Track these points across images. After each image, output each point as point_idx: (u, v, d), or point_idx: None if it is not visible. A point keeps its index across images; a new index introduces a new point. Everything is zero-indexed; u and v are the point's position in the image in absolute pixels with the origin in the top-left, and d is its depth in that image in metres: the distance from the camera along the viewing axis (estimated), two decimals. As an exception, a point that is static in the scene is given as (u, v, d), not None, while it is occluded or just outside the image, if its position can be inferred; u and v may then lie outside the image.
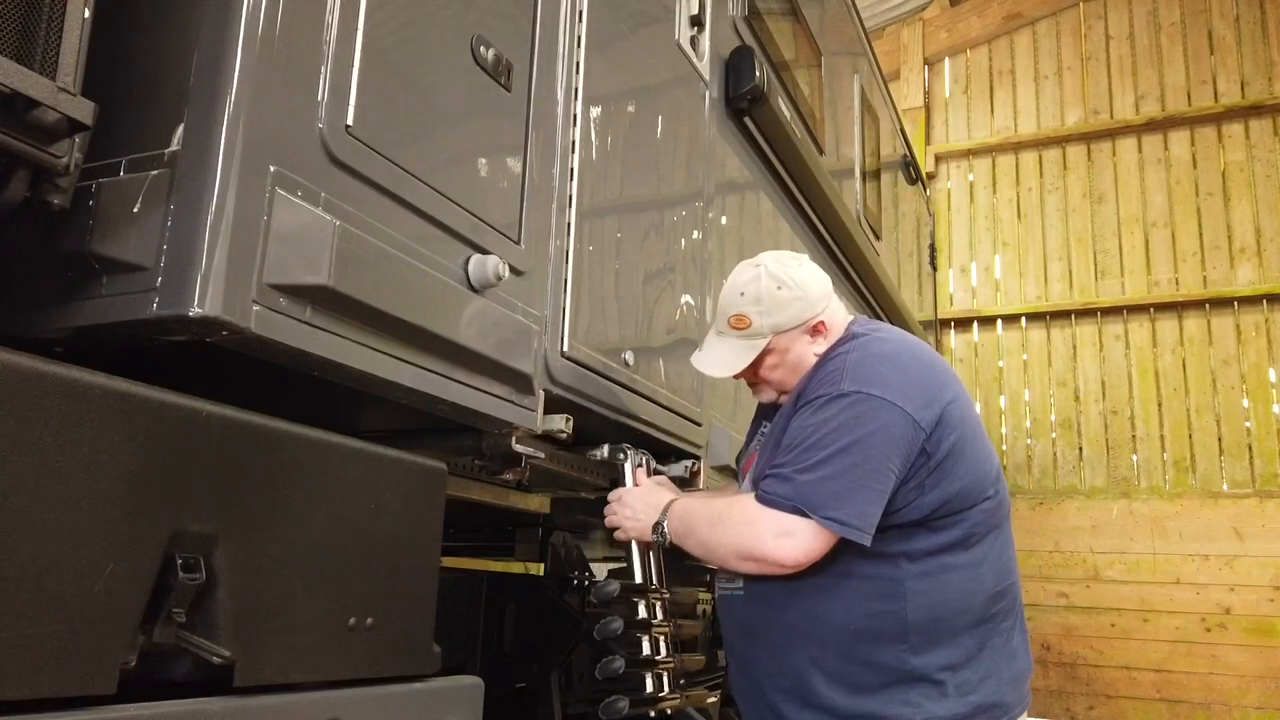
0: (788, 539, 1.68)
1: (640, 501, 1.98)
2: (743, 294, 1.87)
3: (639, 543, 2.05)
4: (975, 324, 7.46)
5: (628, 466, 2.12)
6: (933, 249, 6.74)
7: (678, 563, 3.03)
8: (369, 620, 1.35)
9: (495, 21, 1.67)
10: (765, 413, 2.09)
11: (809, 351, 1.88)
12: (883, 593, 1.73)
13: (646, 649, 1.99)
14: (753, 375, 1.94)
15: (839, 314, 1.94)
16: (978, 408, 7.28)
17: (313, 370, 1.29)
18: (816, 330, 1.88)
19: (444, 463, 1.56)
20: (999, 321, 7.36)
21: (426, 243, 1.45)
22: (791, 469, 1.71)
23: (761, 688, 1.82)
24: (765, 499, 1.72)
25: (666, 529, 1.89)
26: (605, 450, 2.13)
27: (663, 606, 2.03)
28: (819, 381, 1.79)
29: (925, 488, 1.73)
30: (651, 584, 2.06)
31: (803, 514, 1.67)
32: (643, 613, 1.99)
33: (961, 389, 1.87)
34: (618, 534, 2.00)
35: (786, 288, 1.86)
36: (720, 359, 1.92)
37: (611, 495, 2.03)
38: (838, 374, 1.77)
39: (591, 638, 2.26)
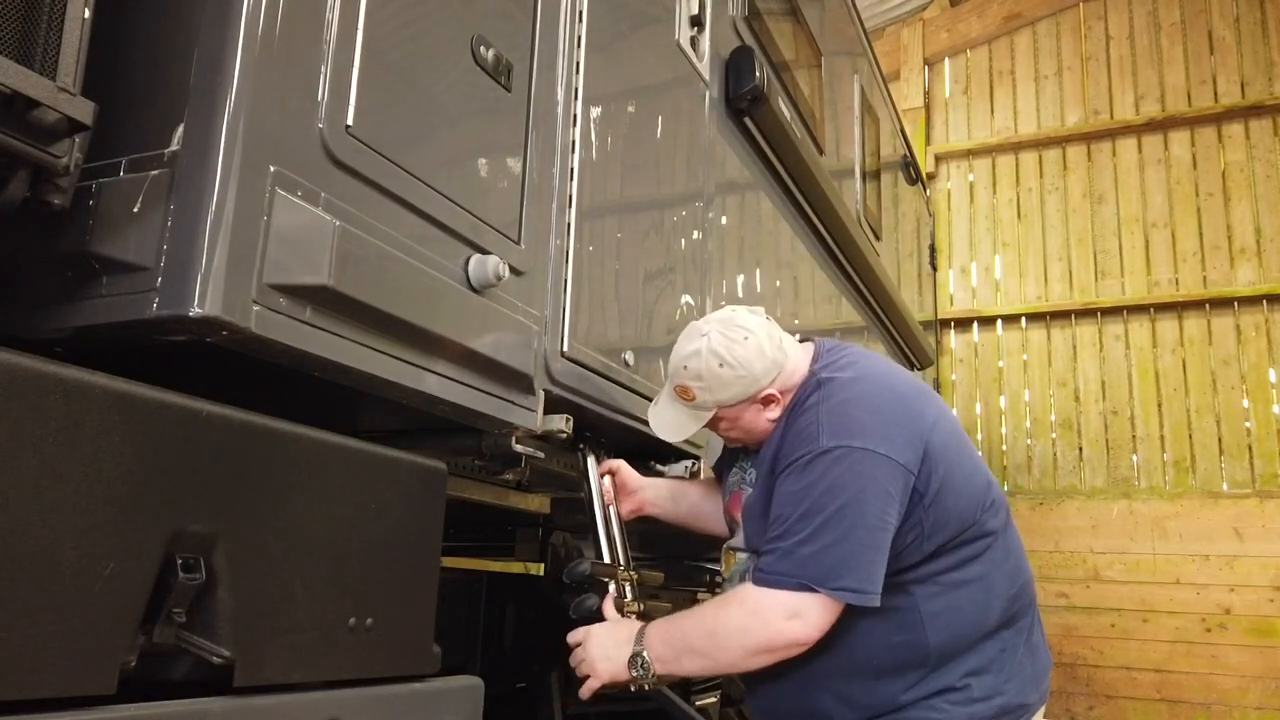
0: (798, 620, 1.64)
1: (607, 639, 1.79)
2: (686, 367, 1.82)
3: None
4: (975, 324, 7.45)
5: (590, 463, 2.09)
6: (933, 249, 6.74)
7: (677, 565, 3.03)
8: (369, 620, 1.35)
9: (495, 21, 1.67)
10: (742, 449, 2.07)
11: (761, 418, 1.84)
12: (901, 624, 1.72)
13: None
14: (714, 428, 1.92)
15: (793, 367, 1.86)
16: (977, 408, 7.29)
17: (313, 370, 1.29)
18: (767, 401, 1.83)
19: (444, 463, 1.56)
20: (999, 322, 7.36)
21: (426, 243, 1.46)
22: (789, 542, 1.65)
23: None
24: (766, 580, 1.67)
25: (648, 658, 1.73)
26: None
27: (632, 587, 2.01)
28: (796, 439, 1.75)
29: (924, 526, 1.71)
30: (620, 564, 2.02)
31: (810, 589, 1.62)
32: (613, 591, 1.97)
33: (940, 407, 1.84)
34: (589, 684, 1.80)
35: (729, 366, 1.78)
36: (670, 423, 1.90)
37: (571, 638, 1.84)
38: (813, 429, 1.71)
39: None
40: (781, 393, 1.83)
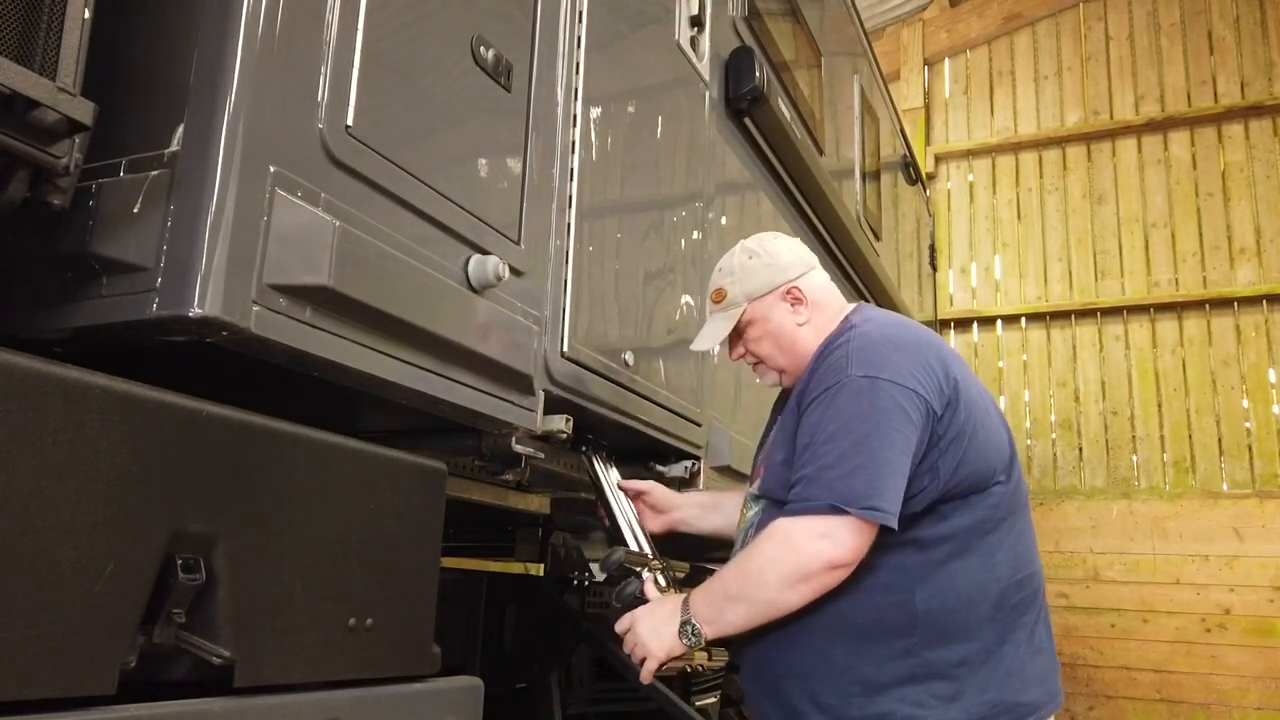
0: (828, 540, 1.61)
1: (654, 617, 1.79)
2: (720, 269, 1.96)
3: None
4: (975, 324, 7.46)
5: (596, 462, 2.12)
6: (933, 249, 6.74)
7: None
8: (369, 620, 1.35)
9: (495, 21, 1.67)
10: (776, 407, 2.07)
11: (790, 321, 1.89)
12: (889, 583, 1.67)
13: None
14: (744, 352, 1.96)
15: (825, 291, 1.94)
16: (978, 408, 7.28)
17: (313, 371, 1.29)
18: (794, 299, 1.90)
19: (444, 463, 1.56)
20: (999, 322, 7.36)
21: (426, 243, 1.45)
22: (816, 467, 1.65)
23: (775, 688, 1.78)
24: (794, 509, 1.66)
25: (696, 623, 1.72)
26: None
27: (665, 575, 2.02)
28: (825, 372, 1.76)
29: (938, 470, 1.69)
30: (649, 554, 2.04)
31: (840, 510, 1.60)
32: (647, 578, 1.98)
33: (968, 371, 1.83)
34: (648, 665, 1.77)
35: (757, 256, 1.92)
36: (705, 333, 1.97)
37: (619, 626, 1.84)
38: (842, 361, 1.73)
39: (591, 638, 2.25)
40: (812, 305, 1.90)
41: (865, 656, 1.66)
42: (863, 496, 1.60)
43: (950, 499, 1.70)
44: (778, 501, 1.75)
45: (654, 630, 1.76)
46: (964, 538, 1.70)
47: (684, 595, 1.78)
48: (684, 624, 1.73)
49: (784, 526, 1.65)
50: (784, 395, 2.03)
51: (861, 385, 1.67)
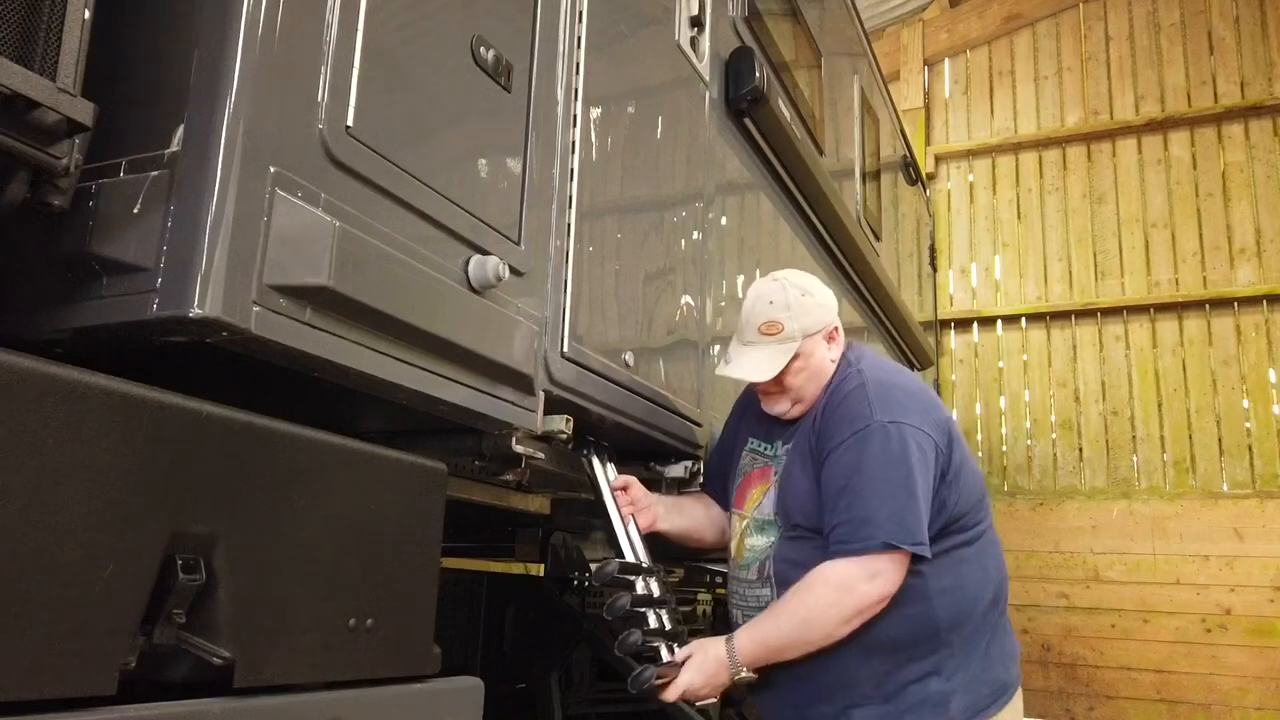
0: (880, 579, 1.81)
1: (702, 672, 1.88)
2: (771, 302, 2.02)
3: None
4: (975, 324, 7.45)
5: (596, 464, 2.13)
6: (933, 250, 6.74)
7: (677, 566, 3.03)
8: (369, 621, 1.35)
9: (495, 22, 1.67)
10: (752, 429, 2.17)
11: (826, 358, 2.05)
12: (911, 598, 1.87)
13: (653, 622, 1.99)
14: (776, 382, 2.04)
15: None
16: (977, 409, 7.30)
17: (313, 371, 1.29)
18: (832, 337, 2.07)
19: (444, 463, 1.56)
20: (999, 322, 7.36)
21: (426, 243, 1.45)
22: (863, 509, 1.82)
23: (809, 705, 1.92)
24: (848, 549, 1.82)
25: (748, 671, 1.88)
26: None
27: (660, 582, 2.03)
28: (848, 415, 1.92)
29: (945, 501, 1.91)
30: (645, 563, 2.06)
31: (893, 548, 1.80)
32: (641, 588, 1.99)
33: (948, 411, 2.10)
34: (698, 696, 1.91)
35: (810, 295, 2.05)
36: (757, 363, 2.01)
37: (670, 694, 1.88)
38: (863, 406, 1.91)
39: (591, 638, 2.25)
40: (838, 332, 2.08)
41: (900, 661, 1.88)
42: (910, 534, 1.81)
43: (955, 520, 1.95)
44: (804, 530, 1.94)
45: (708, 682, 1.88)
46: (966, 551, 1.96)
47: (725, 645, 1.89)
48: (735, 674, 1.87)
49: (839, 571, 1.82)
50: (751, 413, 2.18)
51: (889, 430, 1.87)
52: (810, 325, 2.02)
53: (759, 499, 2.06)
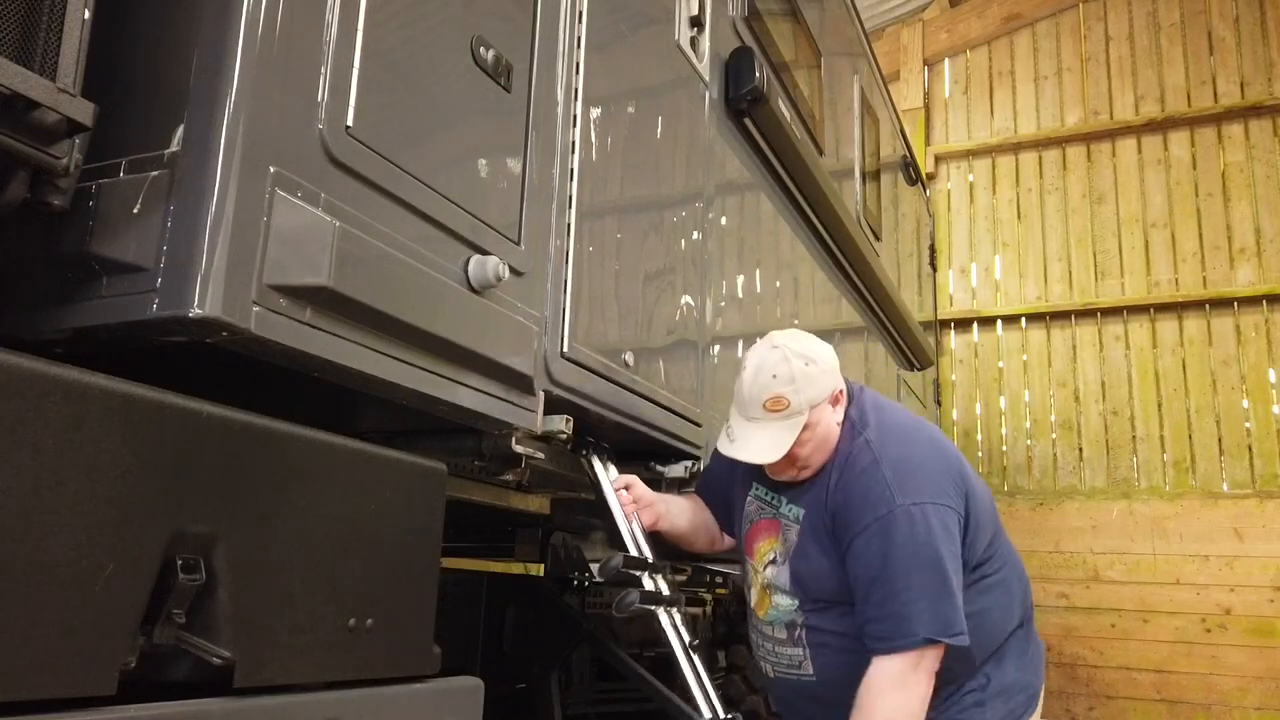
0: (924, 671, 1.80)
1: None
2: (775, 376, 1.90)
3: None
4: (975, 324, 7.45)
5: (597, 463, 2.12)
6: (932, 249, 6.73)
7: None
8: (369, 621, 1.35)
9: (495, 22, 1.67)
10: (754, 472, 2.10)
11: (832, 422, 1.96)
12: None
13: (664, 620, 2.00)
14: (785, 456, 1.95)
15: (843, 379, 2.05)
16: (977, 409, 7.29)
17: (312, 371, 1.29)
18: (837, 399, 1.97)
19: (444, 463, 1.56)
20: (999, 322, 7.35)
21: (426, 243, 1.45)
22: (898, 604, 1.79)
23: None
24: (894, 646, 1.80)
25: None
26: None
27: (667, 579, 2.04)
28: (865, 500, 1.86)
29: (967, 559, 1.91)
30: (650, 558, 2.06)
31: (934, 641, 1.79)
32: (649, 584, 2.00)
33: (957, 449, 2.07)
34: None
35: (813, 363, 1.92)
36: (763, 444, 1.91)
37: None
38: (881, 489, 1.85)
39: (591, 638, 2.25)
40: (842, 393, 1.99)
41: (941, 694, 1.88)
42: (948, 625, 1.80)
43: (979, 563, 1.95)
44: (827, 601, 1.91)
45: None
46: (991, 579, 1.97)
47: None
48: None
49: (889, 673, 1.80)
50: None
51: (912, 514, 1.82)
52: (816, 396, 1.92)
53: (768, 553, 2.03)
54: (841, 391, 1.99)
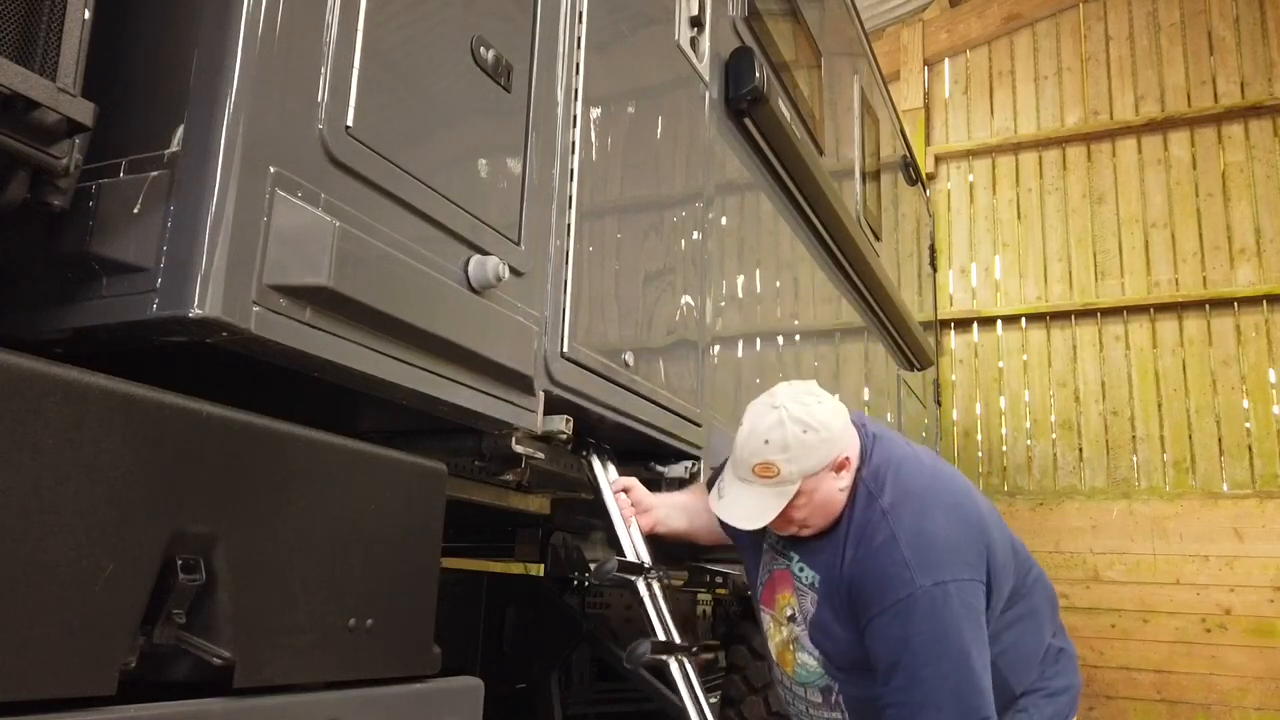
0: None
1: None
2: (767, 441, 1.77)
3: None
4: (975, 324, 7.45)
5: (597, 465, 2.10)
6: (932, 249, 6.73)
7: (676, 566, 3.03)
8: (369, 621, 1.35)
9: (495, 22, 1.67)
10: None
11: (835, 488, 1.82)
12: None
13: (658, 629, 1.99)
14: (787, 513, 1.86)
15: (856, 439, 1.88)
16: (977, 409, 7.29)
17: (312, 371, 1.29)
18: (842, 466, 1.82)
19: (444, 463, 1.56)
20: (999, 322, 7.35)
21: (426, 243, 1.45)
22: (924, 693, 1.71)
23: None
24: None
25: None
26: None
27: (661, 586, 2.03)
28: (882, 579, 1.75)
29: (990, 615, 1.83)
30: (645, 563, 2.04)
31: None
32: (643, 589, 1.98)
33: (973, 490, 1.92)
34: None
35: (812, 430, 1.77)
36: (748, 509, 1.81)
37: None
38: (899, 568, 1.74)
39: (591, 638, 2.25)
40: (849, 459, 1.83)
41: None
42: (971, 713, 1.70)
43: (1002, 610, 1.88)
44: (858, 669, 1.83)
45: None
46: (1016, 616, 1.91)
47: None
48: None
49: None
50: None
51: (934, 596, 1.71)
52: (811, 466, 1.77)
53: (786, 607, 1.96)
54: (848, 458, 1.82)
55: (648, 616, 2.02)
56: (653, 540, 2.14)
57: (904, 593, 1.72)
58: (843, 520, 1.84)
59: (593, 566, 2.49)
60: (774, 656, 2.01)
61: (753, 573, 2.07)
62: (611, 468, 2.16)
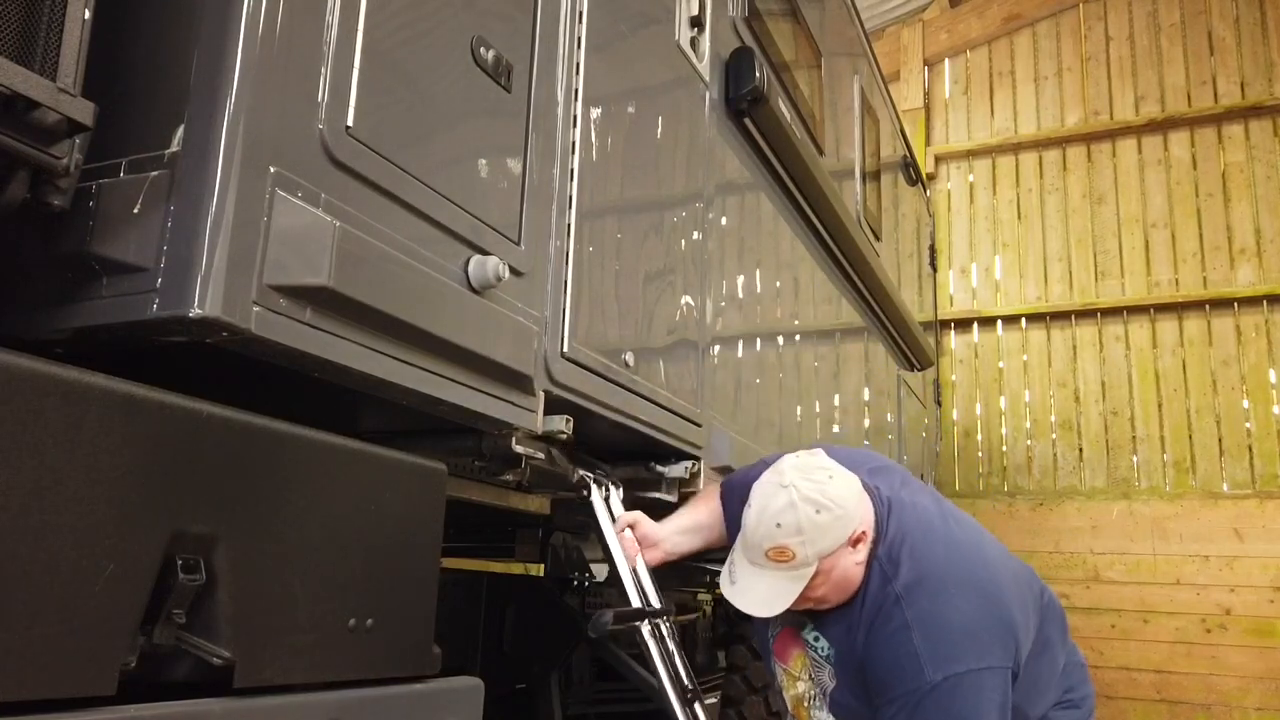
0: None
1: None
2: (779, 525, 1.69)
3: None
4: (975, 325, 7.45)
5: (597, 499, 2.05)
6: (933, 250, 6.73)
7: (677, 566, 3.03)
8: (369, 621, 1.35)
9: (495, 22, 1.67)
10: None
11: (852, 563, 1.75)
12: None
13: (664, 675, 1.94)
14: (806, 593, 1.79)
15: (870, 509, 1.81)
16: (977, 409, 7.29)
17: (313, 371, 1.29)
18: (858, 541, 1.75)
19: (444, 463, 1.56)
20: (999, 322, 7.35)
21: (426, 244, 1.45)
22: None
23: None
24: None
25: None
26: (574, 475, 2.04)
27: (667, 627, 1.99)
28: (893, 668, 1.69)
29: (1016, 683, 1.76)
30: (649, 604, 1.99)
31: None
32: (646, 635, 1.94)
33: (997, 563, 1.83)
34: None
35: (825, 509, 1.70)
36: (763, 596, 1.74)
37: None
38: (911, 660, 1.66)
39: (591, 638, 2.24)
40: (865, 533, 1.76)
41: None
42: None
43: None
44: None
45: None
46: (1030, 660, 1.82)
47: None
48: None
49: None
50: None
51: (946, 689, 1.63)
52: (828, 546, 1.70)
53: (799, 668, 1.91)
54: (864, 531, 1.75)
55: (652, 662, 1.95)
56: (665, 567, 2.11)
57: (913, 685, 1.65)
58: (858, 596, 1.77)
59: (594, 566, 2.48)
60: (789, 708, 1.96)
61: (761, 627, 1.99)
62: (615, 500, 2.10)
